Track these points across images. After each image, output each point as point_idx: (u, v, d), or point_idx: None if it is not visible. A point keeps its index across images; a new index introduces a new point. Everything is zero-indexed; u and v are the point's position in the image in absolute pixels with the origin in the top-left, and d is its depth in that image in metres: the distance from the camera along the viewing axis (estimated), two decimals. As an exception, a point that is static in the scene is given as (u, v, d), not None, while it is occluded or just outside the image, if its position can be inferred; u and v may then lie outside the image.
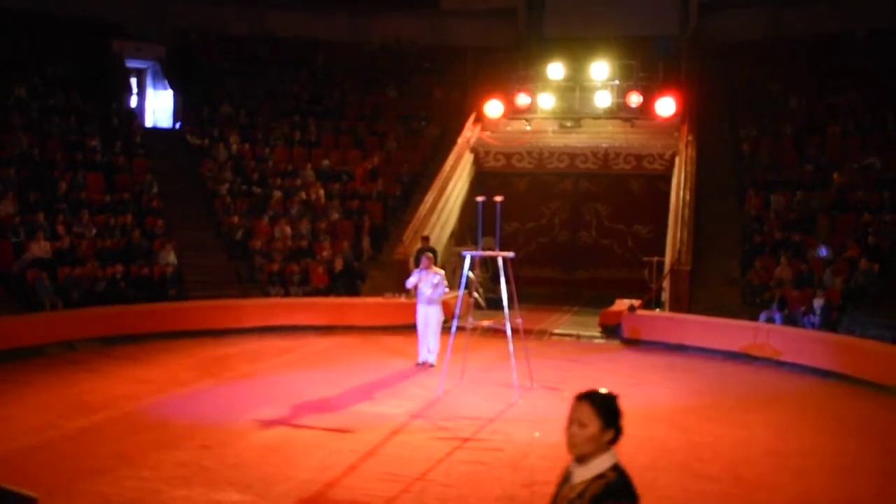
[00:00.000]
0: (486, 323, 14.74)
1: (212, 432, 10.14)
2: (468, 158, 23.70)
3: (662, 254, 20.08)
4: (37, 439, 9.75)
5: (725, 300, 19.00)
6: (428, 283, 14.13)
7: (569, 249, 23.89)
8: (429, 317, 14.20)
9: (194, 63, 27.81)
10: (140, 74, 27.76)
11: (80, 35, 26.22)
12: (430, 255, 14.81)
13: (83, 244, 19.22)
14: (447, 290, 14.61)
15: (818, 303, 17.23)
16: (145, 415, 11.04)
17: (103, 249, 19.42)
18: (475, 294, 18.96)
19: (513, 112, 24.10)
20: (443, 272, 14.55)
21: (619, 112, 23.70)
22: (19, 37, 24.65)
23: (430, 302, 14.16)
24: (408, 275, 19.91)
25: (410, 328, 18.26)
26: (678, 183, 21.07)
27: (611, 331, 17.98)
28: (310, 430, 10.36)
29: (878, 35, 25.37)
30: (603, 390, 3.73)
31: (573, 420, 3.70)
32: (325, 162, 24.27)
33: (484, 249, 14.30)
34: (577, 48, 25.16)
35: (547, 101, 23.82)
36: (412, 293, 19.31)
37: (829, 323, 16.86)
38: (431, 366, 14.19)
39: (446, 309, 15.20)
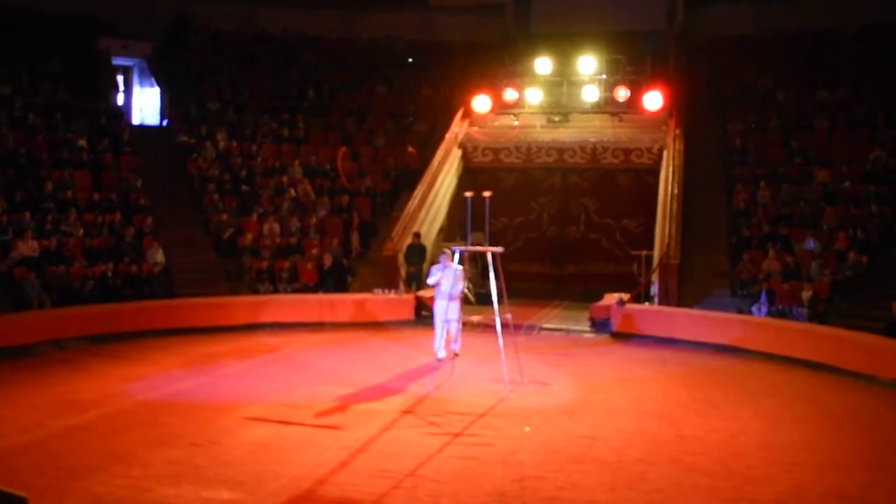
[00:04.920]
0: (475, 318, 14.75)
1: (202, 430, 10.12)
2: (456, 154, 23.68)
3: (651, 248, 20.09)
4: (26, 438, 9.71)
5: (714, 293, 19.08)
6: (449, 278, 14.04)
7: (557, 244, 23.90)
8: (449, 311, 14.05)
9: (182, 60, 27.72)
10: (127, 72, 27.66)
11: (67, 32, 26.10)
12: (449, 251, 14.58)
13: (71, 243, 19.16)
14: (465, 286, 14.55)
15: (806, 295, 17.32)
16: (135, 413, 11.01)
17: (91, 248, 19.37)
18: (465, 289, 18.96)
19: (501, 107, 24.06)
20: (461, 268, 14.37)
21: (607, 106, 23.68)
22: (5, 34, 24.51)
23: (451, 297, 14.06)
24: (397, 271, 20.14)
25: (401, 324, 18.44)
26: (666, 177, 21.11)
27: (600, 325, 18.02)
28: (300, 426, 10.34)
29: (866, 30, 25.49)
30: None
31: None
32: (314, 158, 24.24)
33: (473, 245, 14.29)
34: (565, 43, 25.14)
35: (535, 96, 23.77)
36: (402, 289, 19.53)
37: (818, 315, 16.94)
38: (456, 355, 14.39)
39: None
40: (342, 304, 18.75)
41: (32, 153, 21.41)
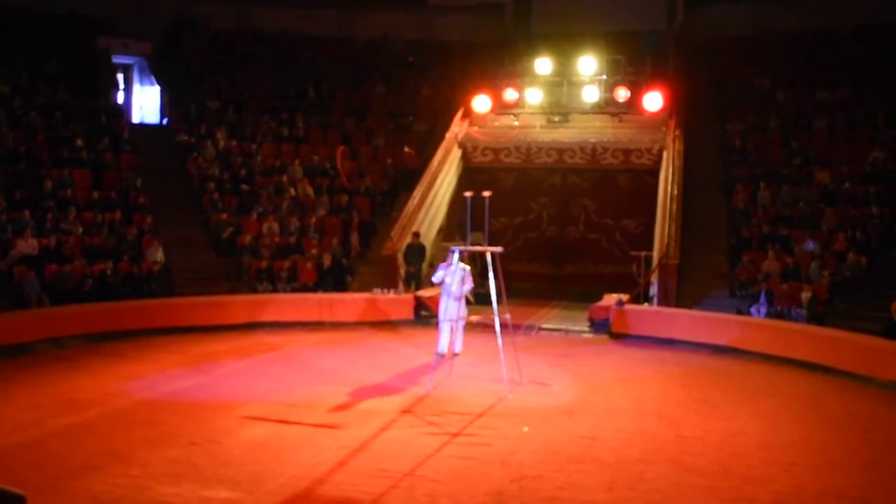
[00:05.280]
0: (474, 318, 14.76)
1: (201, 429, 10.12)
2: (456, 154, 23.68)
3: (650, 248, 20.09)
4: (25, 437, 9.71)
5: (713, 294, 19.10)
6: (454, 277, 14.13)
7: (557, 244, 23.92)
8: (452, 310, 14.22)
9: (182, 59, 27.71)
10: (127, 70, 27.66)
11: (67, 31, 26.10)
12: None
13: (70, 241, 19.17)
14: (472, 284, 14.74)
15: (805, 296, 17.32)
16: (134, 412, 11.01)
17: (91, 246, 19.37)
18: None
19: (500, 107, 24.07)
20: (468, 267, 14.60)
21: (607, 107, 23.68)
22: (5, 33, 24.52)
23: (455, 296, 14.22)
24: (396, 270, 20.14)
25: (400, 323, 18.45)
26: (666, 177, 21.11)
27: (599, 325, 18.02)
28: (299, 426, 10.34)
29: (866, 30, 25.51)
30: None
31: None
32: (315, 158, 24.23)
33: (472, 245, 14.32)
34: (565, 43, 25.14)
35: (534, 97, 23.78)
36: (401, 288, 19.53)
37: (816, 316, 16.94)
38: (456, 354, 14.48)
39: (436, 304, 15.27)
40: (341, 304, 18.74)
41: (32, 152, 21.42)
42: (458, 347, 14.72)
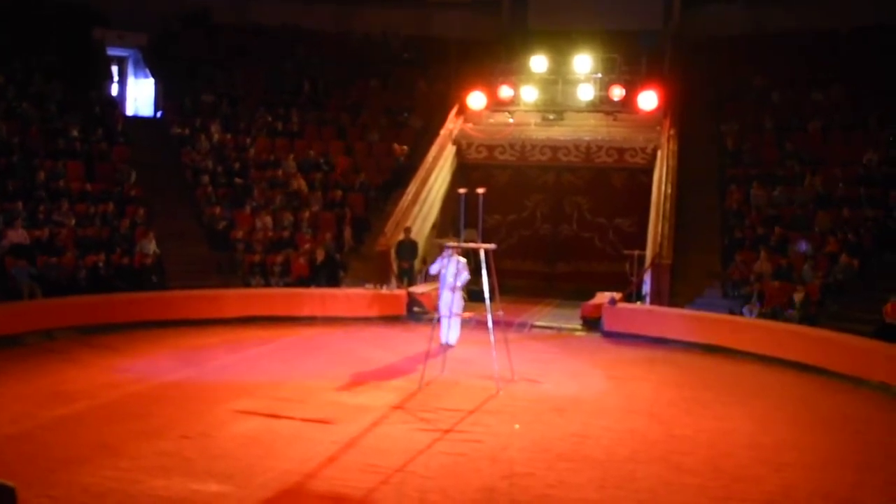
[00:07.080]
0: (467, 315, 14.79)
1: (192, 422, 10.11)
2: (451, 150, 23.67)
3: (644, 247, 20.10)
4: (15, 429, 9.68)
5: (706, 294, 19.12)
6: (449, 269, 14.31)
7: (550, 242, 23.91)
8: (447, 301, 14.55)
9: (177, 52, 27.64)
10: (121, 62, 27.61)
11: (62, 22, 26.01)
12: (451, 245, 15.03)
13: (63, 233, 19.11)
14: (468, 276, 14.99)
15: (797, 297, 17.35)
16: (125, 404, 10.99)
17: (83, 238, 19.32)
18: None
19: (496, 104, 24.05)
20: (464, 259, 14.84)
21: (602, 105, 23.68)
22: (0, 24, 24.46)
23: (453, 288, 14.47)
24: (389, 266, 20.12)
25: (392, 319, 18.43)
26: (660, 177, 21.13)
27: (591, 324, 18.02)
28: (290, 420, 10.34)
29: (861, 32, 25.56)
30: None
31: None
32: (311, 152, 24.21)
33: (466, 241, 14.35)
34: (561, 41, 25.14)
35: (530, 94, 23.78)
36: (394, 284, 19.53)
37: (808, 317, 16.97)
38: (451, 347, 14.66)
39: (428, 301, 15.30)
40: (334, 299, 18.72)
41: (26, 143, 21.35)
42: (453, 340, 14.82)
